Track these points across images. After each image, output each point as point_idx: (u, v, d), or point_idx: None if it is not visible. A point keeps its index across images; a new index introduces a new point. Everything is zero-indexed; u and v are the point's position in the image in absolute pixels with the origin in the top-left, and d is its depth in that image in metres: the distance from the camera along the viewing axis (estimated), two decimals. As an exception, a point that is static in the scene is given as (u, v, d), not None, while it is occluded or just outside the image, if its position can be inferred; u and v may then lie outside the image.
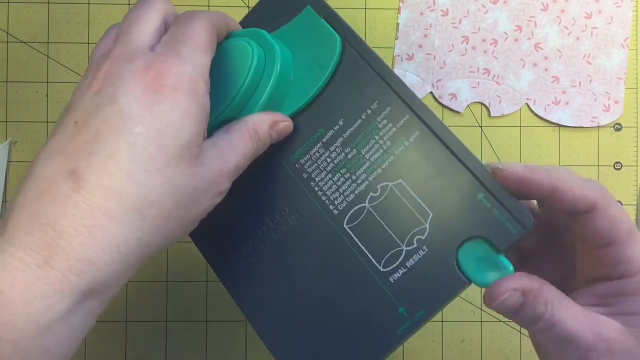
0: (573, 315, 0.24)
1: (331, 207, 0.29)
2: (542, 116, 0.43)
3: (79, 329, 0.22)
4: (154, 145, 0.23)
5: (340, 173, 0.29)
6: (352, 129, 0.29)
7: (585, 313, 0.25)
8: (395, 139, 0.28)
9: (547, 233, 0.28)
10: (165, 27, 0.27)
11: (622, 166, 0.43)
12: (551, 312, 0.24)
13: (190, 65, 0.25)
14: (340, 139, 0.29)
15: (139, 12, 0.26)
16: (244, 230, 0.30)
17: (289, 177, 0.29)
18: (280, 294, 0.29)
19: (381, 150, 0.28)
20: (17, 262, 0.21)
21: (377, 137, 0.28)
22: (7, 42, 0.42)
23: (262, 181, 0.30)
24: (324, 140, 0.29)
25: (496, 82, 0.43)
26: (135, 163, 0.23)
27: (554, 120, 0.43)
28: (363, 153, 0.28)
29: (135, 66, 0.24)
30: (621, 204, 0.43)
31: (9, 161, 0.41)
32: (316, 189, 0.29)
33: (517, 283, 0.24)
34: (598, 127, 0.43)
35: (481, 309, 0.42)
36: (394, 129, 0.28)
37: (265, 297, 0.29)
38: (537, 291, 0.24)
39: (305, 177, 0.29)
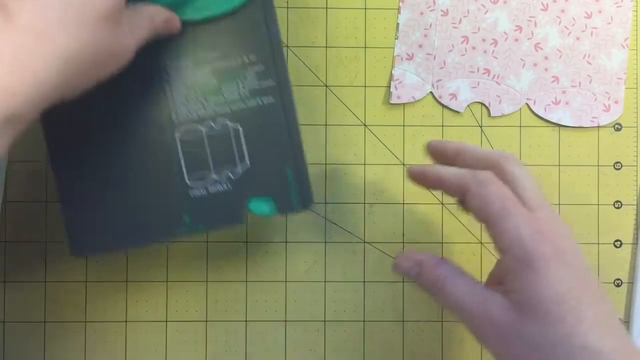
0: (465, 290, 0.29)
1: (172, 114, 0.32)
2: (542, 116, 0.43)
3: None
4: (88, 3, 0.25)
5: (195, 92, 0.32)
6: (223, 64, 0.32)
7: (479, 289, 0.29)
8: (253, 94, 0.33)
9: None
10: None
11: (622, 166, 0.43)
12: (443, 284, 0.29)
13: None
14: (209, 66, 0.32)
15: None
16: (90, 113, 0.32)
17: (148, 72, 0.32)
18: (99, 172, 0.32)
19: (237, 95, 0.32)
20: None
21: (240, 83, 0.33)
22: (7, 42, 0.42)
23: (126, 69, 0.31)
24: (195, 58, 0.32)
25: (496, 82, 0.43)
26: (69, 15, 0.24)
27: (554, 120, 0.43)
28: (222, 89, 0.32)
29: None
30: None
31: (9, 161, 0.41)
32: (168, 92, 0.32)
33: (416, 256, 0.31)
34: (598, 127, 0.43)
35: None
36: (256, 86, 0.32)
37: (83, 175, 0.33)
38: (431, 265, 0.30)
39: (164, 77, 0.32)
